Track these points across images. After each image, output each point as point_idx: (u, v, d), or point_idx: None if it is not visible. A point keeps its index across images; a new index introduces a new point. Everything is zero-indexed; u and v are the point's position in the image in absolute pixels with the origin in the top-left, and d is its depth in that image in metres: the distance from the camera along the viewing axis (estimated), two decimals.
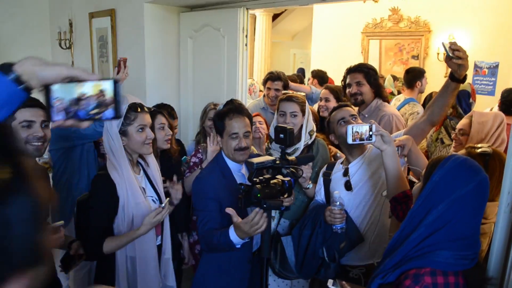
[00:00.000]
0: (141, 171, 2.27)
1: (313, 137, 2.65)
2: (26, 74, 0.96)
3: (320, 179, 2.48)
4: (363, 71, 2.97)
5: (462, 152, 1.93)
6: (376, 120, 2.74)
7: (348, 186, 2.28)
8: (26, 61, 0.98)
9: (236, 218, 1.83)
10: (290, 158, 1.83)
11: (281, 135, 1.87)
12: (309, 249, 2.33)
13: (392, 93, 5.95)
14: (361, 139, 1.90)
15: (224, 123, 2.19)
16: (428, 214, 1.38)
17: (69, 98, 1.00)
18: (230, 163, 2.24)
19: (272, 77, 3.89)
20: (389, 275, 1.41)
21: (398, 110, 4.48)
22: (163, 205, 2.05)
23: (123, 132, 2.08)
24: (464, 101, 4.56)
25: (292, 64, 13.22)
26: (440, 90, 2.25)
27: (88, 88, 1.00)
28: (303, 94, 3.20)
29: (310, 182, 2.48)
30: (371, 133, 1.89)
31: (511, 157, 1.46)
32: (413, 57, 7.09)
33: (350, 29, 7.38)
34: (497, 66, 6.10)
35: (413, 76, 4.54)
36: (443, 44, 2.08)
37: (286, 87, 3.88)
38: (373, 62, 7.49)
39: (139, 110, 2.11)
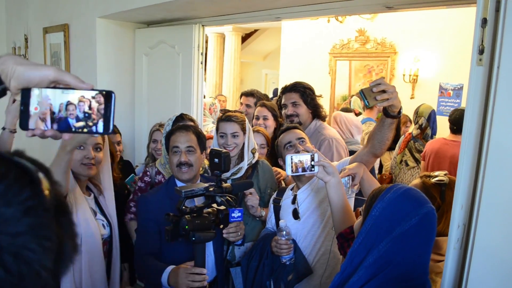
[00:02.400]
0: (92, 195, 2.13)
1: (256, 155, 2.53)
2: (5, 74, 0.81)
3: (271, 206, 2.32)
4: (299, 91, 2.81)
5: (416, 181, 1.78)
6: (315, 144, 2.60)
7: (295, 215, 2.12)
8: (8, 58, 0.82)
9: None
10: (224, 185, 1.65)
11: (216, 160, 1.68)
12: (256, 282, 2.16)
13: (360, 114, 5.89)
14: (303, 170, 1.74)
15: (169, 140, 2.17)
16: (368, 254, 1.19)
17: (56, 104, 0.83)
18: (180, 184, 2.13)
19: (246, 93, 3.95)
20: None
21: None
22: None
23: None
24: (435, 123, 4.49)
25: (264, 84, 13.18)
26: (377, 124, 2.02)
27: (77, 97, 0.84)
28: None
29: (261, 209, 2.32)
30: (313, 163, 1.74)
31: (460, 187, 1.32)
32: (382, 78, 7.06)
33: (318, 50, 7.33)
34: (461, 87, 6.11)
35: None
36: (361, 92, 1.78)
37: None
38: (342, 83, 7.46)
39: None
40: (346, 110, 5.47)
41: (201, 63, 3.41)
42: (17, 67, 0.82)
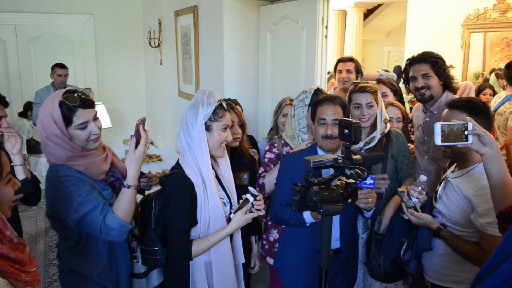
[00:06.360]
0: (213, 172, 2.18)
1: (388, 125, 2.51)
2: None
3: None
4: (430, 61, 2.57)
5: None
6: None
7: (435, 196, 2.04)
8: None
9: None
10: (354, 157, 1.59)
11: (346, 130, 1.61)
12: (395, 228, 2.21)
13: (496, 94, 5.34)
14: (454, 140, 1.56)
15: (316, 110, 2.21)
16: None
17: None
18: (320, 153, 2.19)
19: (343, 58, 3.80)
20: None
21: (497, 109, 3.97)
22: (251, 200, 1.97)
23: (207, 127, 1.97)
24: None
25: (386, 62, 12.64)
26: None
27: None
28: (374, 82, 2.91)
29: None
30: (466, 132, 1.54)
31: None
32: None
33: (449, 21, 6.75)
34: None
35: None
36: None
37: (359, 71, 3.71)
38: (476, 58, 6.82)
39: (228, 109, 2.04)
40: (483, 87, 5.02)
41: (325, 37, 3.34)
42: None
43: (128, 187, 1.84)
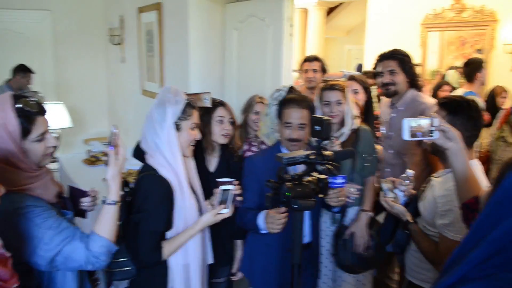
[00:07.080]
0: None
1: (356, 122, 2.58)
2: None
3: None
4: (397, 58, 2.68)
5: None
6: (415, 114, 2.49)
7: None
8: None
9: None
10: (326, 153, 1.61)
11: (317, 127, 1.64)
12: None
13: (455, 89, 5.55)
14: (421, 135, 1.58)
15: (283, 111, 2.20)
16: (493, 230, 1.10)
17: None
18: (284, 151, 2.20)
19: (309, 58, 3.86)
20: None
21: None
22: (231, 188, 1.90)
23: (176, 126, 1.90)
24: None
25: (347, 60, 12.86)
26: None
27: None
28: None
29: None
30: (432, 128, 1.57)
31: None
32: (477, 51, 6.57)
33: (409, 21, 6.94)
34: None
35: (472, 69, 4.19)
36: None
37: (324, 70, 3.79)
38: (433, 56, 7.04)
39: (195, 107, 2.00)
40: (441, 84, 5.19)
41: (291, 35, 3.37)
42: None
43: (115, 203, 1.63)
